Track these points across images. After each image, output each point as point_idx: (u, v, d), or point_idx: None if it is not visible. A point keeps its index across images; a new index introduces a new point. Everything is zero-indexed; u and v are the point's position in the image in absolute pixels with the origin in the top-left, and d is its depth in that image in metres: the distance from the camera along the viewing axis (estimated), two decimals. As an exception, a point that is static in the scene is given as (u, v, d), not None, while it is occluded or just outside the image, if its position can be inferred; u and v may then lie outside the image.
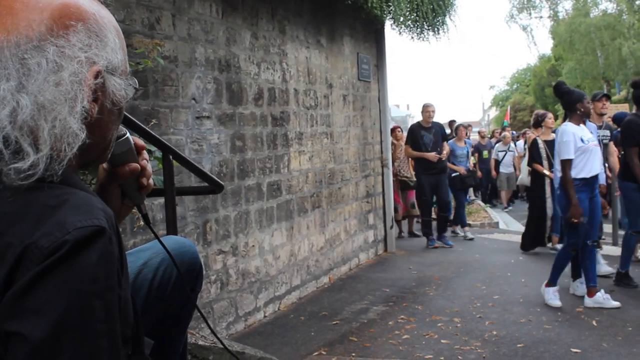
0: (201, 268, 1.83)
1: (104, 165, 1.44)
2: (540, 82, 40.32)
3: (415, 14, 8.17)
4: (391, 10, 7.61)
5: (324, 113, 7.18)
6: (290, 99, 6.40)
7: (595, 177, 5.82)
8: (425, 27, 8.49)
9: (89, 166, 1.30)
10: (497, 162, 15.10)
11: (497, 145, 15.52)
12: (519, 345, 4.82)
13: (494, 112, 54.80)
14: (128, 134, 1.42)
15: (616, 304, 5.76)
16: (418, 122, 9.92)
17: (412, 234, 10.93)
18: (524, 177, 10.44)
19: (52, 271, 0.97)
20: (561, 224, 7.38)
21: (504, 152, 14.99)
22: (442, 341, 5.00)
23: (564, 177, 5.66)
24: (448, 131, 12.36)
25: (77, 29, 1.14)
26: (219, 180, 3.18)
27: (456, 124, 13.63)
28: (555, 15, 33.47)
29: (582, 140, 5.70)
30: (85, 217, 1.02)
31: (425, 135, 9.53)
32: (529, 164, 8.97)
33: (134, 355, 1.23)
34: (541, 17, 34.16)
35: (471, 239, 10.35)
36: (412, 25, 8.34)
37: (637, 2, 30.01)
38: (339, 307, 6.13)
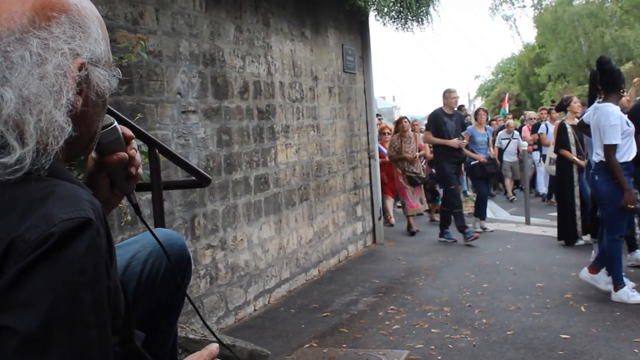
0: (190, 260, 1.82)
1: (93, 154, 1.43)
2: (524, 71, 40.44)
3: (399, 5, 8.17)
4: (375, 1, 7.61)
5: (310, 105, 7.17)
6: (276, 92, 6.39)
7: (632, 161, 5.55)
8: (410, 17, 8.49)
9: (75, 158, 1.29)
10: (501, 151, 14.46)
11: (500, 132, 15.05)
12: (508, 333, 4.85)
13: (479, 102, 54.90)
14: (115, 123, 1.41)
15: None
16: (440, 108, 9.27)
17: (411, 233, 10.19)
18: (546, 165, 9.72)
19: (40, 264, 0.96)
20: (591, 212, 7.16)
21: (507, 140, 14.52)
22: (433, 330, 5.02)
23: (612, 162, 5.34)
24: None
25: (60, 20, 1.13)
26: (205, 174, 3.18)
27: (465, 109, 13.38)
28: (539, 4, 33.58)
29: (627, 123, 5.49)
30: (71, 209, 1.01)
31: (447, 122, 9.02)
32: (556, 150, 8.41)
33: (125, 344, 1.23)
34: (524, 6, 34.26)
35: (492, 231, 9.93)
36: (396, 16, 8.33)
37: (619, -10, 30.15)
38: (329, 299, 6.14)
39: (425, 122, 10.37)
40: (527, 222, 10.45)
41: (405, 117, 10.78)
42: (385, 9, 8.00)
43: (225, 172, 5.43)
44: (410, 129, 10.54)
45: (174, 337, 1.87)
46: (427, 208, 11.38)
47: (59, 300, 0.96)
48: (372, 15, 8.53)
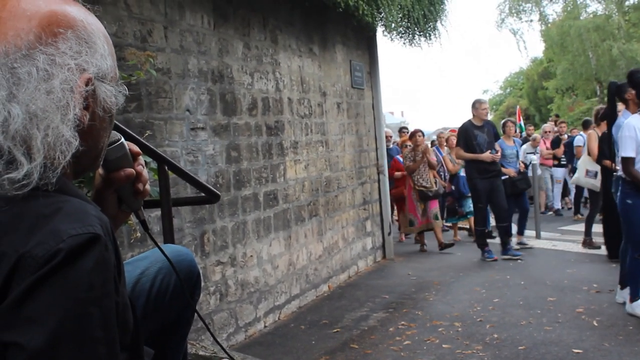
0: (199, 276, 1.82)
1: (100, 171, 1.43)
2: (533, 85, 40.46)
3: (406, 21, 8.21)
4: (382, 17, 7.63)
5: (318, 121, 7.18)
6: (284, 108, 6.40)
7: None
8: (417, 33, 8.53)
9: (82, 174, 1.29)
10: (526, 166, 13.69)
11: (524, 147, 14.56)
12: (520, 348, 4.81)
13: (488, 117, 54.92)
14: (122, 139, 1.42)
15: None
16: (469, 121, 8.81)
17: (422, 248, 9.91)
18: (580, 177, 8.76)
19: (48, 280, 0.96)
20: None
21: (532, 154, 14.13)
22: (444, 346, 4.98)
23: (631, 174, 5.19)
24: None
25: (66, 36, 1.13)
26: (215, 190, 3.18)
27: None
28: (544, 19, 33.67)
29: None
30: (79, 225, 1.01)
31: (478, 135, 8.58)
32: (599, 161, 7.78)
33: (133, 361, 1.22)
34: (531, 20, 34.35)
35: (530, 247, 9.37)
36: (403, 32, 8.38)
37: (625, 3, 30.19)
38: (339, 315, 6.11)
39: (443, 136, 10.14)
40: (538, 237, 10.38)
41: (420, 131, 10.23)
42: (393, 25, 8.02)
43: (234, 188, 5.44)
44: (423, 143, 10.09)
45: (183, 353, 1.86)
46: (442, 225, 10.72)
47: (67, 317, 0.96)
48: (379, 30, 8.57)
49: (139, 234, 3.42)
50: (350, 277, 7.87)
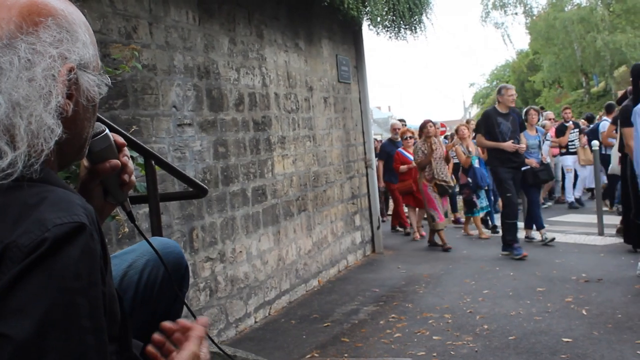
0: (187, 268, 1.81)
1: (85, 163, 1.43)
2: (519, 78, 40.63)
3: (392, 14, 8.20)
4: (368, 10, 7.62)
5: (305, 116, 7.18)
6: (271, 103, 6.39)
7: None
8: (403, 26, 8.52)
9: (67, 165, 1.28)
10: None
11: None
12: (510, 338, 4.83)
13: (475, 110, 55.09)
14: (107, 131, 1.41)
15: None
16: (493, 107, 8.40)
17: (432, 243, 9.54)
18: (614, 166, 8.40)
19: (34, 269, 0.95)
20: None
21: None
22: (434, 337, 5.00)
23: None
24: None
25: (47, 24, 1.13)
26: (202, 184, 3.17)
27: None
28: (529, 12, 33.83)
29: None
30: (64, 214, 1.01)
31: (502, 122, 8.11)
32: (621, 149, 7.49)
33: (122, 353, 1.22)
34: (516, 13, 34.51)
35: (552, 240, 8.79)
36: (389, 25, 8.36)
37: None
38: (330, 309, 6.12)
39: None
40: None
41: (430, 121, 9.65)
42: (379, 18, 8.01)
43: (222, 184, 5.43)
44: (435, 134, 9.65)
45: (172, 346, 1.85)
46: (451, 220, 10.46)
47: (54, 306, 0.95)
48: (365, 24, 8.56)
49: (126, 229, 3.41)
50: (340, 271, 7.87)
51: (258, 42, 6.23)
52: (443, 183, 9.26)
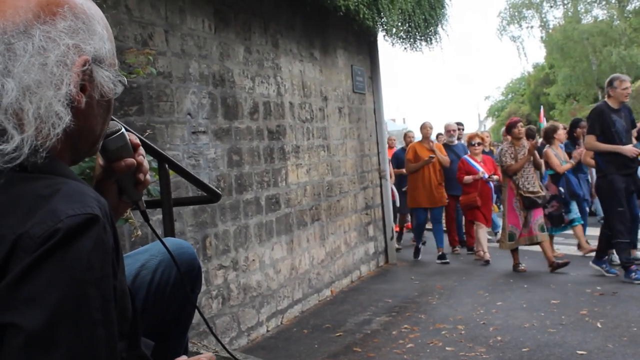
0: (200, 269, 1.81)
1: (100, 161, 1.43)
2: (535, 91, 40.47)
3: (407, 25, 8.21)
4: (383, 21, 7.64)
5: (320, 126, 7.18)
6: (286, 112, 6.40)
7: None
8: (418, 37, 8.53)
9: (80, 160, 1.29)
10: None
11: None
12: (524, 350, 4.79)
13: (490, 123, 54.96)
14: (123, 130, 1.42)
15: None
16: (605, 103, 7.02)
17: (517, 268, 8.06)
18: None
19: (46, 260, 0.95)
20: None
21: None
22: (447, 348, 4.96)
23: None
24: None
25: (64, 15, 1.14)
26: (215, 189, 3.17)
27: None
28: (545, 25, 33.77)
29: None
30: (78, 206, 1.01)
31: (617, 120, 6.80)
32: None
33: (131, 350, 1.21)
34: (532, 26, 34.48)
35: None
36: (404, 36, 8.38)
37: (627, 8, 30.24)
38: (342, 319, 6.09)
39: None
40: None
41: (520, 121, 8.26)
42: (394, 29, 8.03)
43: (236, 192, 5.43)
44: (524, 135, 8.33)
45: (184, 348, 1.85)
46: (545, 239, 8.01)
47: (65, 297, 0.95)
48: (380, 35, 8.57)
49: (139, 233, 3.41)
50: (352, 281, 7.85)
51: (273, 51, 6.25)
52: (530, 195, 7.81)
